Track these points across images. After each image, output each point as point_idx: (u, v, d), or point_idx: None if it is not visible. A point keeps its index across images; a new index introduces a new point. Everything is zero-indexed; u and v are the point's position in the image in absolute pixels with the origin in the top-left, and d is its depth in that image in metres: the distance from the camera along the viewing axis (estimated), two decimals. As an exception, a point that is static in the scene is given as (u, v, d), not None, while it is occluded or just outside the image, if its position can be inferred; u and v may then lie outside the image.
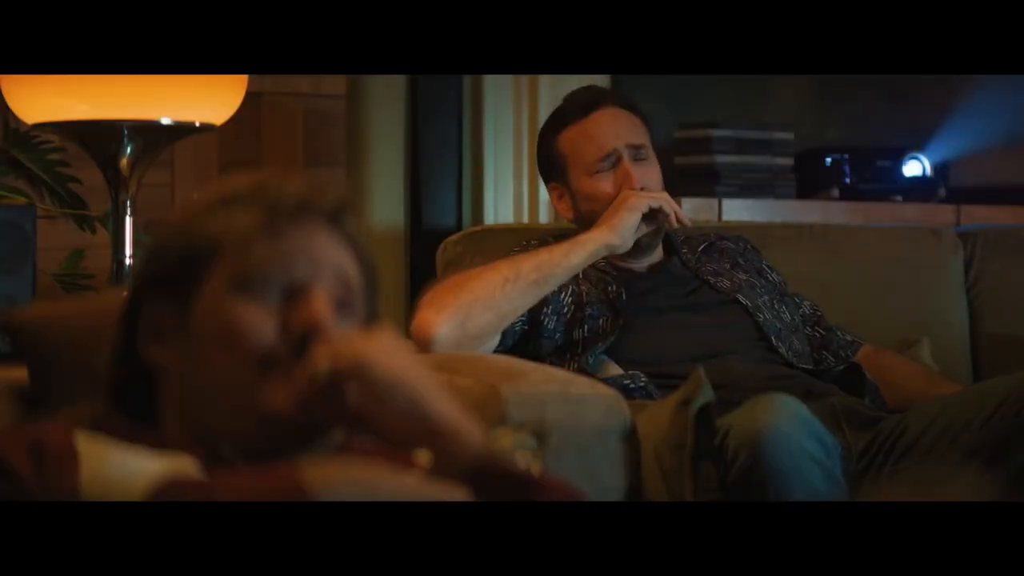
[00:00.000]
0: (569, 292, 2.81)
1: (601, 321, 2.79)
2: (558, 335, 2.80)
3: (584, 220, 2.89)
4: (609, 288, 2.84)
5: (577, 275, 2.83)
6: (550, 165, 2.96)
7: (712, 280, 2.91)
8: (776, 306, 2.92)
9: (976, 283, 3.40)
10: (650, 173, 2.88)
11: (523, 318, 2.77)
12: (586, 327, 2.79)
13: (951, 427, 2.46)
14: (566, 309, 2.81)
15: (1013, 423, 2.41)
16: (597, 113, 2.91)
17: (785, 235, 3.34)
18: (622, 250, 2.79)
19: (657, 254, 2.94)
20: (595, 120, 2.90)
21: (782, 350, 2.81)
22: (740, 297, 2.87)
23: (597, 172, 2.87)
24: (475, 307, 2.67)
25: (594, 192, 2.87)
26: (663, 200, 2.80)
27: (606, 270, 2.87)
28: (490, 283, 2.69)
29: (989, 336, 3.36)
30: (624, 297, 2.82)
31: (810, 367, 2.84)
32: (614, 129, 2.89)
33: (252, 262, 1.52)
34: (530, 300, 2.73)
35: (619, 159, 2.86)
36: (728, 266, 2.97)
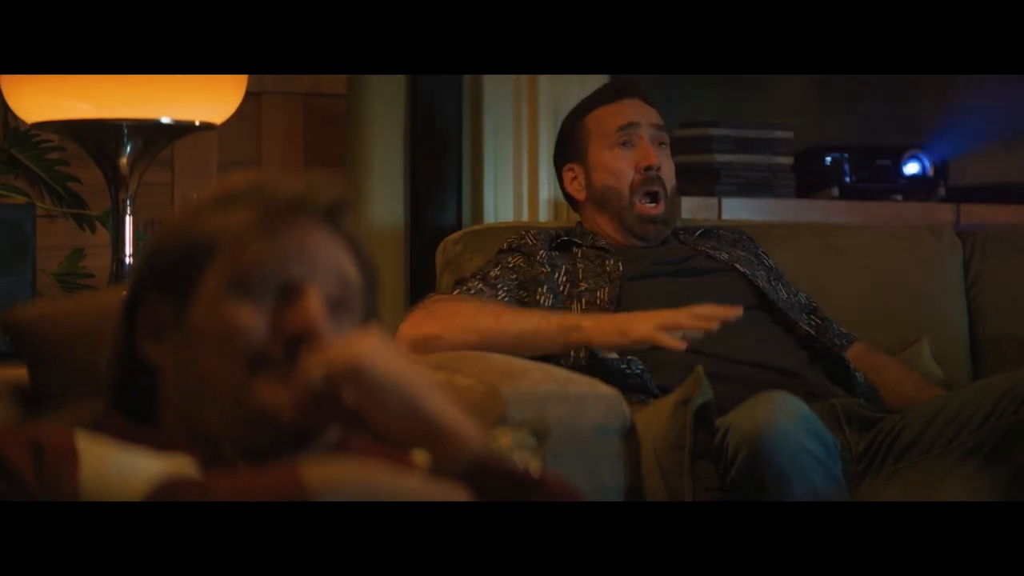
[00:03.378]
0: (563, 271, 2.83)
1: (599, 294, 2.80)
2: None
3: (596, 197, 2.94)
4: (607, 262, 2.85)
5: (574, 252, 2.87)
6: (571, 145, 3.01)
7: (711, 252, 2.94)
8: (772, 283, 2.93)
9: (975, 282, 3.40)
10: (668, 162, 2.96)
11: (524, 301, 2.77)
12: (584, 300, 2.80)
13: (950, 426, 2.47)
14: (561, 287, 2.82)
15: (1012, 422, 2.41)
16: (629, 99, 2.99)
17: (785, 234, 3.33)
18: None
19: None
20: (625, 103, 2.98)
21: (787, 312, 2.82)
22: (738, 266, 2.90)
23: (618, 145, 2.92)
24: (442, 347, 2.65)
25: (610, 164, 2.94)
26: (695, 329, 2.52)
27: (605, 247, 2.89)
28: (467, 336, 2.66)
29: (988, 335, 3.36)
30: (621, 268, 2.84)
31: (812, 330, 2.84)
32: (641, 111, 2.97)
33: (247, 261, 1.51)
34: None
35: (640, 137, 2.93)
36: (726, 244, 3.01)
